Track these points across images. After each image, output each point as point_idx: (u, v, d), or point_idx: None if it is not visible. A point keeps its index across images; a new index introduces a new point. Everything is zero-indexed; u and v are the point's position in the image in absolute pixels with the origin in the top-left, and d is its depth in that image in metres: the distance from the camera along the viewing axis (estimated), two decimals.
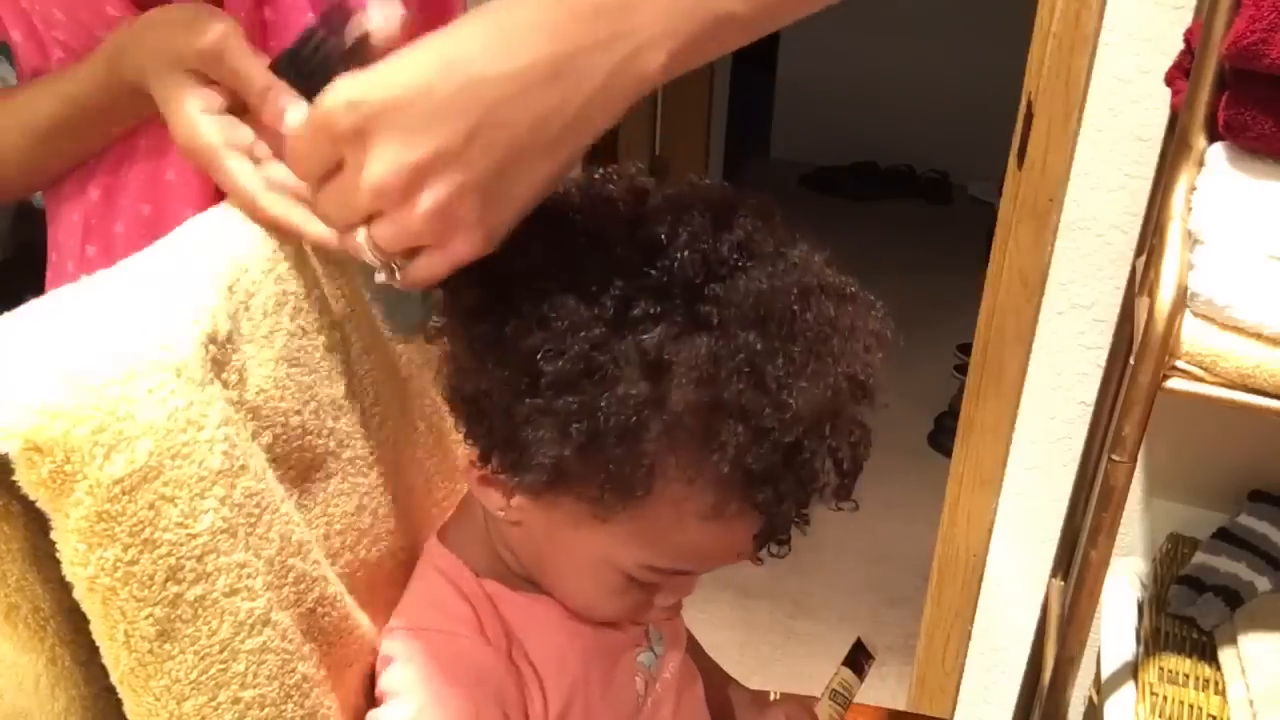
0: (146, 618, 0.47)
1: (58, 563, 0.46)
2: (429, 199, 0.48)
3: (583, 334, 0.50)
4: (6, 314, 0.47)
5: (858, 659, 0.84)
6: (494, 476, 0.58)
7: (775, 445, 0.51)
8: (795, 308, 0.53)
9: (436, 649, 0.63)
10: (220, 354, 0.52)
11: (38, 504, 0.44)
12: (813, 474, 0.53)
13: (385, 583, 0.68)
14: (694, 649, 0.84)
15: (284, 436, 0.57)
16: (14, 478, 0.44)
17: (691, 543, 0.57)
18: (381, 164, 0.47)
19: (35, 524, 0.46)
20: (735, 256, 0.53)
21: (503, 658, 0.63)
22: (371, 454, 0.67)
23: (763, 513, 0.55)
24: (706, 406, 0.50)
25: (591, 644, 0.67)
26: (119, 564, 0.46)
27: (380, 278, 0.52)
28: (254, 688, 0.52)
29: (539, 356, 0.51)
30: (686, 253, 0.52)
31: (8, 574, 0.46)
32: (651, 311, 0.51)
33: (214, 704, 0.50)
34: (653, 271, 0.52)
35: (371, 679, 0.65)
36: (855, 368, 0.54)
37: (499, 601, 0.65)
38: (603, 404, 0.50)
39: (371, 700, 0.65)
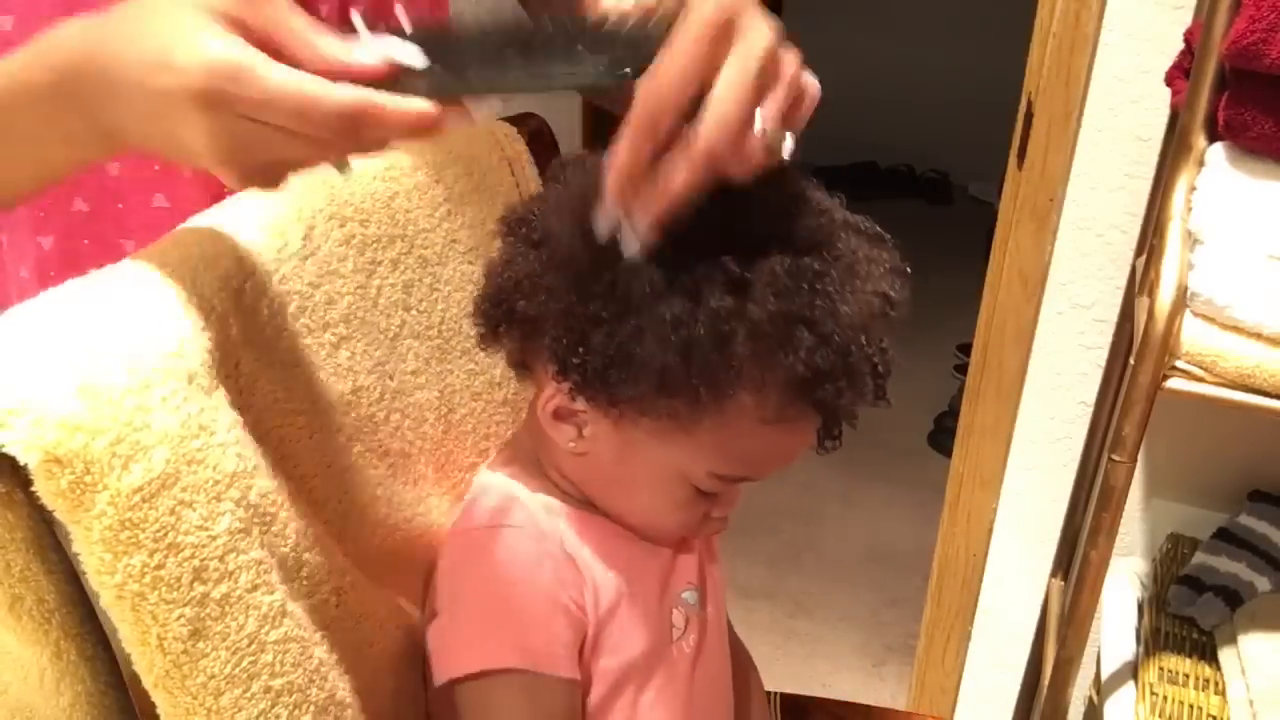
0: (178, 619, 0.48)
1: (63, 554, 0.46)
2: (790, 55, 0.56)
3: (664, 257, 0.57)
4: (11, 314, 0.47)
5: None
6: (572, 410, 0.65)
7: (835, 349, 0.59)
8: (833, 237, 0.62)
9: (489, 544, 0.67)
10: (226, 358, 0.52)
11: (56, 515, 0.45)
12: (861, 376, 0.61)
13: (402, 567, 0.70)
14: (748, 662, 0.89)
15: (291, 436, 0.57)
16: (16, 463, 0.44)
17: (757, 447, 0.65)
18: (761, 34, 0.53)
19: (40, 513, 0.46)
20: (789, 200, 0.62)
21: (559, 545, 0.68)
22: (381, 446, 0.67)
23: (821, 411, 0.62)
24: (783, 316, 0.58)
25: (638, 562, 0.71)
26: (146, 569, 0.46)
27: (789, 149, 0.58)
28: (282, 676, 0.53)
29: (631, 277, 0.57)
30: (754, 196, 0.59)
31: (12, 564, 0.47)
32: (719, 242, 0.58)
33: (249, 695, 0.51)
34: (722, 213, 0.58)
35: (399, 654, 0.67)
36: (883, 286, 0.62)
37: (552, 511, 0.69)
38: (698, 316, 0.57)
39: (403, 670, 0.67)
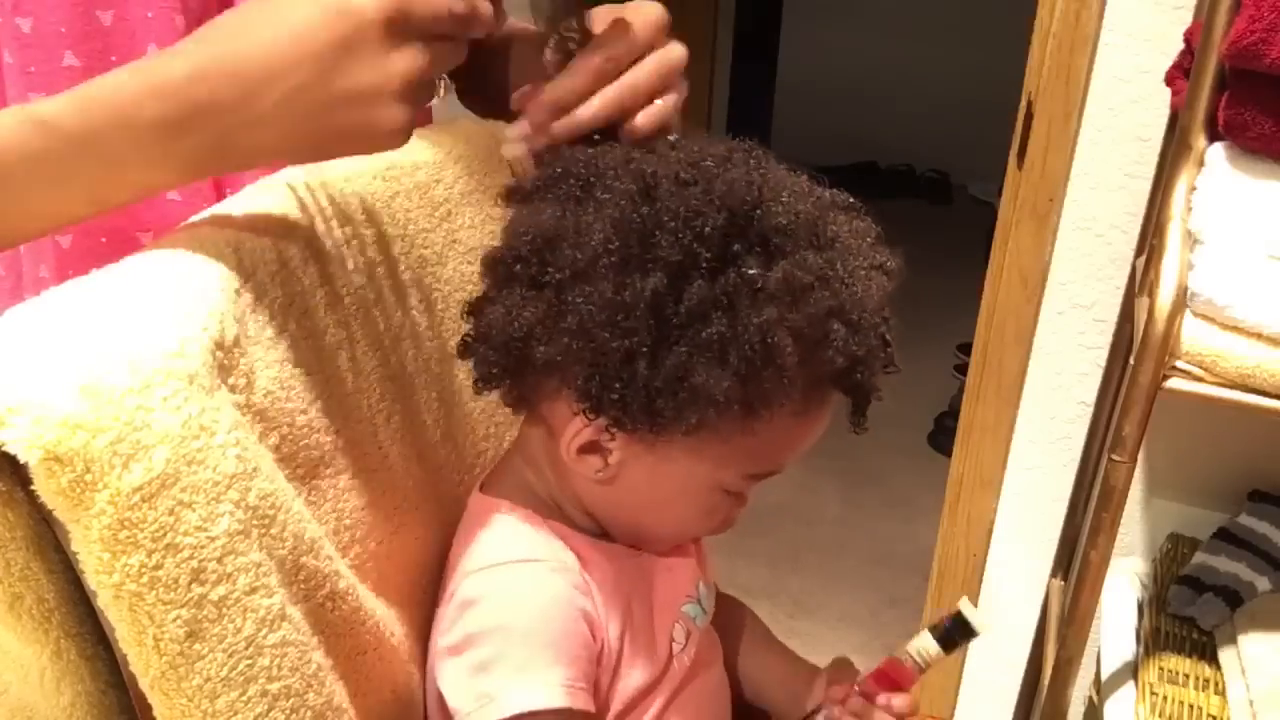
0: (174, 620, 0.48)
1: (63, 553, 0.46)
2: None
3: (691, 275, 0.57)
4: (13, 313, 0.47)
5: (951, 636, 0.70)
6: (598, 442, 0.63)
7: (862, 333, 0.60)
8: (822, 223, 0.62)
9: (517, 581, 0.66)
10: (227, 359, 0.52)
11: (56, 513, 0.45)
12: (879, 350, 0.62)
13: (398, 571, 0.69)
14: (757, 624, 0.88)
15: (291, 436, 0.58)
16: (17, 462, 0.44)
17: (789, 441, 0.65)
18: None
19: (40, 512, 0.46)
20: (781, 191, 0.62)
21: (578, 577, 0.67)
22: (380, 449, 0.67)
23: (854, 393, 0.63)
24: (818, 315, 0.58)
25: (643, 584, 0.71)
26: (144, 569, 0.46)
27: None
28: (279, 680, 0.53)
29: (663, 305, 0.57)
30: (742, 194, 0.60)
31: (12, 562, 0.47)
32: (733, 250, 0.58)
33: (245, 698, 0.51)
34: (712, 216, 0.58)
35: (394, 661, 0.66)
36: (877, 258, 0.63)
37: (563, 536, 0.69)
38: (741, 332, 0.57)
39: (398, 678, 0.66)
